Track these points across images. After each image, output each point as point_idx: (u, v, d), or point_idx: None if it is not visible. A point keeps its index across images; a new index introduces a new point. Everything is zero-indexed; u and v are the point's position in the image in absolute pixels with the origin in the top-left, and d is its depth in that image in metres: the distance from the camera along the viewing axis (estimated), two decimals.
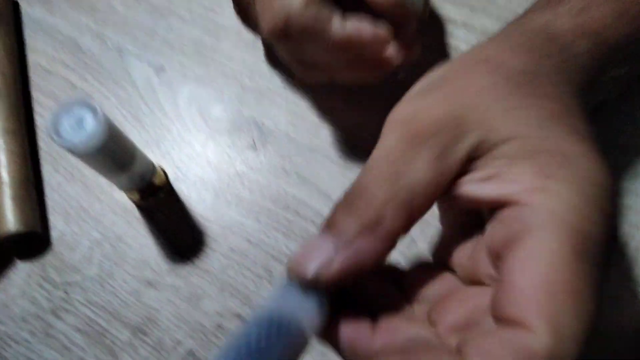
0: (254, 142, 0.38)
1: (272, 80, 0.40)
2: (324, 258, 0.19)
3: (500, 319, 0.18)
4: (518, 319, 0.17)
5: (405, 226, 0.20)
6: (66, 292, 0.35)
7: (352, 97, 0.39)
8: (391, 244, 0.20)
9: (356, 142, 0.38)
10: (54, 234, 0.37)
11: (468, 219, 0.23)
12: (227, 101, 0.40)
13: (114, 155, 0.30)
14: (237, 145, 0.39)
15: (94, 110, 0.28)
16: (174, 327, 0.34)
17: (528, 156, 0.19)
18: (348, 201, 0.20)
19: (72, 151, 0.28)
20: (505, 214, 0.19)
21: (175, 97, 0.40)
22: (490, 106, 0.20)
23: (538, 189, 0.18)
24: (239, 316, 0.34)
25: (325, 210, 0.36)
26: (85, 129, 0.28)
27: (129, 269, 0.36)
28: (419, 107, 0.21)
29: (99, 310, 0.35)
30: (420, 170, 0.19)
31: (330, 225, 0.20)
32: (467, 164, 0.20)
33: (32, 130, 0.40)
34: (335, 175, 0.37)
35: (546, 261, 0.17)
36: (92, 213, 0.37)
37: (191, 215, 0.37)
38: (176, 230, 0.37)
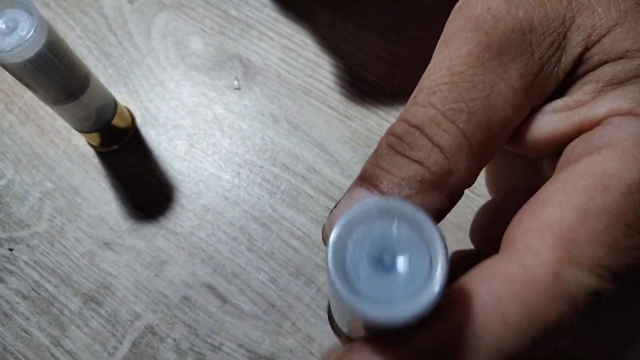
0: (237, 82, 0.32)
1: (263, 10, 0.33)
2: None
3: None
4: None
5: (475, 176, 0.15)
6: (10, 250, 0.30)
7: (357, 33, 0.32)
8: (455, 202, 0.15)
9: (360, 86, 0.31)
10: (1, 182, 0.31)
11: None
12: (208, 33, 0.33)
13: (57, 71, 0.24)
14: (217, 85, 0.32)
15: (29, 12, 0.22)
16: (132, 298, 0.29)
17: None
18: (397, 144, 0.15)
19: (2, 62, 0.22)
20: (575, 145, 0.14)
21: (149, 27, 0.34)
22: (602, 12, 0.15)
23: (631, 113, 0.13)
24: (209, 287, 0.28)
25: (320, 164, 0.30)
26: (19, 33, 0.22)
27: (84, 227, 0.30)
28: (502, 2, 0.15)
29: (47, 273, 0.29)
30: (505, 95, 0.14)
31: (371, 178, 0.15)
32: (564, 86, 0.15)
33: None
34: (334, 123, 0.31)
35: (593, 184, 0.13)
36: (45, 160, 0.32)
37: (160, 165, 0.31)
38: (141, 183, 0.31)
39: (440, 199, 0.15)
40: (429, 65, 0.15)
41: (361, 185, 0.15)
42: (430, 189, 0.14)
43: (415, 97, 0.15)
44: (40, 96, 0.26)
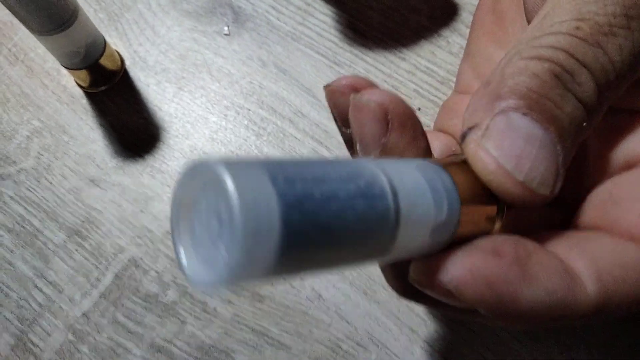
0: (228, 28, 0.32)
1: None
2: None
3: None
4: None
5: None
6: None
7: None
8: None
9: (349, 34, 0.32)
10: None
11: None
12: None
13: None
14: (208, 31, 0.33)
15: None
16: (116, 232, 0.29)
17: None
18: (565, 78, 0.13)
19: None
20: None
21: None
22: None
23: None
24: None
25: (307, 108, 0.30)
26: None
27: (71, 164, 0.30)
28: None
29: (32, 207, 0.29)
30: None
31: (538, 107, 0.13)
32: None
33: None
34: (322, 69, 0.31)
35: None
36: (34, 99, 0.32)
37: (147, 106, 0.31)
38: (128, 123, 0.31)
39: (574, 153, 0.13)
40: None
41: (524, 113, 0.12)
42: (583, 136, 0.13)
43: (577, 27, 0.13)
44: (28, 25, 0.26)
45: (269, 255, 0.09)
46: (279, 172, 0.09)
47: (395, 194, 0.11)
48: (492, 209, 0.13)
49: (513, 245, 0.12)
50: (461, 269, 0.12)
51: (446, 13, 0.32)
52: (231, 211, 0.08)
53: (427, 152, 0.14)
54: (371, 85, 0.14)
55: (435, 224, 0.12)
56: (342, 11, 0.32)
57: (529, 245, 0.13)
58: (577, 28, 0.13)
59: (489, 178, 0.13)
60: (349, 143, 0.16)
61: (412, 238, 0.11)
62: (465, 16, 0.31)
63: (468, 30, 0.31)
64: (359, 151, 0.14)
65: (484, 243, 0.12)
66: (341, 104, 0.15)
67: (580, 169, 0.17)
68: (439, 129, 0.22)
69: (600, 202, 0.15)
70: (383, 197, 0.10)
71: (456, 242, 0.13)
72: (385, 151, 0.13)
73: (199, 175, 0.10)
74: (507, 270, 0.12)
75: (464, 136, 0.13)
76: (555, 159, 0.12)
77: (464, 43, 0.31)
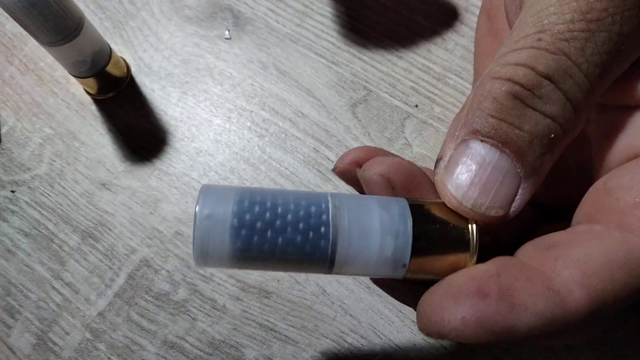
0: (228, 32, 0.33)
1: None
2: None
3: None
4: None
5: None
6: (12, 192, 0.31)
7: None
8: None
9: (346, 33, 0.32)
10: (3, 129, 0.33)
11: None
12: None
13: (51, 11, 0.26)
14: (209, 35, 0.33)
15: None
16: (128, 234, 0.30)
17: None
18: (525, 95, 0.13)
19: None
20: None
21: None
22: None
23: None
24: None
25: (307, 108, 0.31)
26: None
27: (82, 169, 0.31)
28: None
29: (47, 212, 0.31)
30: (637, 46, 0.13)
31: (495, 132, 0.13)
32: None
33: None
34: (320, 69, 0.32)
35: None
36: (45, 108, 0.33)
37: (153, 111, 0.32)
38: (136, 128, 0.32)
39: (555, 160, 0.14)
40: None
41: (481, 140, 0.13)
42: (559, 149, 0.14)
43: (539, 38, 0.13)
44: (36, 37, 0.27)
45: (220, 258, 0.12)
46: (245, 196, 0.11)
47: (335, 235, 0.12)
48: (459, 244, 0.14)
49: (495, 280, 0.13)
50: (454, 321, 0.13)
51: (442, 11, 0.32)
52: (194, 225, 0.12)
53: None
54: (373, 153, 0.16)
55: (379, 263, 0.13)
56: (339, 11, 0.33)
57: (511, 271, 0.13)
58: (539, 40, 0.13)
59: (451, 206, 0.14)
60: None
61: (352, 270, 0.13)
62: (461, 14, 0.32)
63: (463, 28, 0.32)
64: None
65: (467, 285, 0.13)
66: (351, 178, 0.16)
67: (585, 167, 0.17)
68: None
69: (594, 193, 0.16)
70: (323, 236, 0.12)
71: (427, 271, 0.14)
72: None
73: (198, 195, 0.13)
74: (495, 308, 0.13)
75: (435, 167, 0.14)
76: (510, 180, 0.13)
77: (459, 40, 0.31)
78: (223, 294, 0.28)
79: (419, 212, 0.14)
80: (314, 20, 0.33)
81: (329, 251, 0.12)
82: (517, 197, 0.13)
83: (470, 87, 0.30)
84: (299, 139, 0.31)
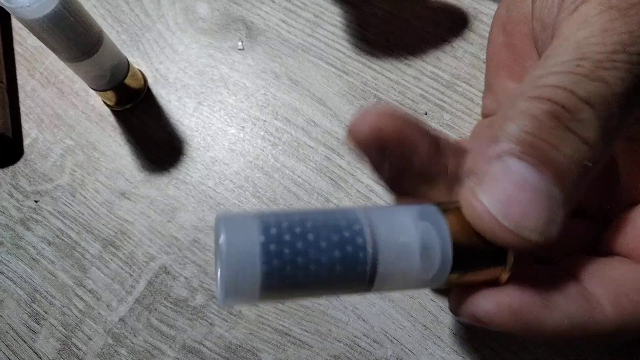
0: (242, 43, 0.34)
1: None
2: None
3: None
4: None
5: None
6: (36, 202, 0.33)
7: None
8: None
9: (357, 43, 0.33)
10: (26, 141, 0.34)
11: None
12: None
13: (72, 29, 0.27)
14: (223, 47, 0.34)
15: None
16: (147, 241, 0.31)
17: None
18: (565, 117, 0.12)
19: (23, 17, 0.25)
20: None
21: None
22: None
23: None
24: None
25: (319, 117, 0.31)
26: None
27: (102, 179, 0.32)
28: None
29: (70, 221, 0.32)
30: None
31: (534, 150, 0.12)
32: None
33: (8, 33, 0.37)
34: (332, 78, 0.33)
35: None
36: (66, 119, 0.34)
37: (170, 122, 0.33)
38: (153, 138, 0.33)
39: (586, 189, 0.13)
40: (578, 20, 0.13)
41: (519, 158, 0.12)
42: (591, 178, 0.13)
43: (579, 64, 0.13)
44: (58, 53, 0.28)
45: (251, 293, 0.11)
46: (270, 224, 0.11)
47: (375, 256, 0.12)
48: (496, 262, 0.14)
49: (533, 279, 0.14)
50: (490, 303, 0.13)
51: (451, 19, 0.32)
52: (220, 261, 0.11)
53: (439, 148, 0.16)
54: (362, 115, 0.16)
55: (418, 281, 0.13)
56: (349, 21, 0.33)
57: (548, 274, 0.14)
58: (579, 66, 0.13)
59: (481, 227, 0.13)
60: (388, 181, 0.17)
61: (389, 289, 0.13)
62: (470, 22, 0.32)
63: (472, 35, 0.32)
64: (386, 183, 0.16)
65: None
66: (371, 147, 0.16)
67: (613, 189, 0.17)
68: None
69: (623, 228, 0.16)
70: (361, 262, 0.12)
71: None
72: (399, 167, 0.15)
73: (215, 227, 0.12)
74: (530, 299, 0.13)
75: (461, 181, 0.14)
76: (550, 204, 0.12)
77: (468, 48, 0.32)
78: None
79: (454, 223, 0.13)
80: (324, 30, 0.34)
81: (367, 275, 0.11)
82: (555, 223, 0.13)
83: (479, 94, 0.31)
84: (311, 147, 0.32)
